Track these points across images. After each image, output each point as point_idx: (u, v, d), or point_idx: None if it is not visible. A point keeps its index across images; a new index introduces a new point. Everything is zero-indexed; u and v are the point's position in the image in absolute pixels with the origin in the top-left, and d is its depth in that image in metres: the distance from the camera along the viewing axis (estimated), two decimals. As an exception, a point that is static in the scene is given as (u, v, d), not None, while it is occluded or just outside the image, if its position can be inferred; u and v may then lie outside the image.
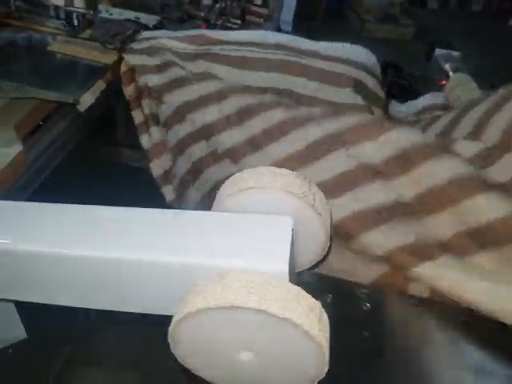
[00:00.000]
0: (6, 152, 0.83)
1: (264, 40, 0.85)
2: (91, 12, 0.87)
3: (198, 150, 0.76)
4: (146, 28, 1.11)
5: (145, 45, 0.88)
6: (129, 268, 0.38)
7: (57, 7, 0.91)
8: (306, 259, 0.47)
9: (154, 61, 0.84)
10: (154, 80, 0.82)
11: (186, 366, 0.38)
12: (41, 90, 0.82)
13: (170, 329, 0.35)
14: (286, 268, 0.35)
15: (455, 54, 1.07)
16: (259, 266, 0.36)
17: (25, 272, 0.42)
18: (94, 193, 0.57)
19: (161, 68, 0.83)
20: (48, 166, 0.92)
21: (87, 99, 0.90)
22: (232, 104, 0.72)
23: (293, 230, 0.39)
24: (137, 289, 0.40)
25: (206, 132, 0.74)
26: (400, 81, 1.10)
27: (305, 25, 1.76)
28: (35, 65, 0.89)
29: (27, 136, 0.87)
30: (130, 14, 1.15)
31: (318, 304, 0.35)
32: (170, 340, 0.36)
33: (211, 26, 1.14)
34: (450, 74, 0.96)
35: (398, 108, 0.93)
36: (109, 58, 0.88)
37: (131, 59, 0.85)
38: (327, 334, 0.34)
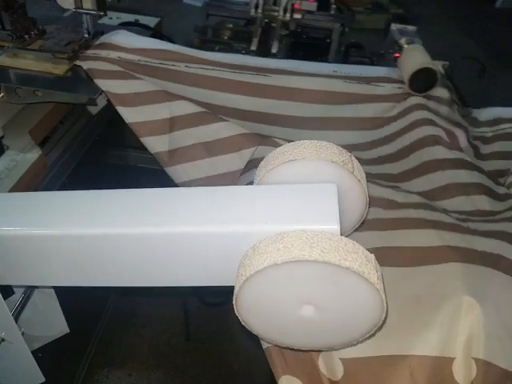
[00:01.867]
0: (24, 158, 0.84)
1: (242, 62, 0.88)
2: (102, 13, 0.88)
3: None
4: (148, 29, 1.13)
5: (101, 53, 0.85)
6: (187, 241, 0.40)
7: (1, 16, 0.84)
8: (348, 225, 0.49)
9: (110, 67, 0.83)
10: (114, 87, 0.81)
11: (249, 327, 0.40)
12: (57, 92, 0.83)
13: (236, 291, 0.37)
14: (337, 226, 0.38)
15: (411, 28, 1.11)
16: (313, 227, 0.38)
17: (84, 256, 0.44)
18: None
19: (120, 75, 0.82)
20: (66, 169, 0.94)
21: (100, 101, 0.92)
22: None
23: (337, 198, 0.42)
24: (194, 262, 0.42)
25: None
26: (362, 59, 1.15)
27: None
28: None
29: (43, 141, 0.89)
30: (130, 17, 1.18)
31: (372, 255, 0.37)
32: (234, 302, 0.38)
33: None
34: (405, 46, 0.99)
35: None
36: (60, 69, 0.83)
37: (84, 65, 0.83)
38: (383, 283, 0.37)
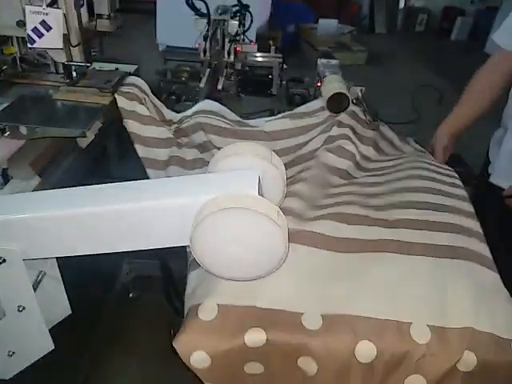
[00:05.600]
0: (26, 185, 1.02)
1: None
2: (88, 65, 1.09)
3: None
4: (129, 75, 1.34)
5: (132, 90, 1.14)
6: (154, 213, 0.59)
7: (56, 64, 1.12)
8: (275, 199, 0.69)
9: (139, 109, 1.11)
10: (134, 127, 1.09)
11: (202, 264, 0.59)
12: (52, 128, 1.01)
13: (191, 233, 0.55)
14: (256, 191, 0.57)
15: (333, 62, 1.36)
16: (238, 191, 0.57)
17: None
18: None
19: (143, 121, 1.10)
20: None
21: (88, 136, 1.11)
22: None
23: (260, 178, 0.61)
24: (158, 228, 0.60)
25: None
26: (301, 91, 1.43)
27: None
28: (44, 111, 1.09)
29: (42, 171, 1.06)
30: (111, 66, 1.39)
31: (278, 208, 0.56)
32: (191, 244, 0.57)
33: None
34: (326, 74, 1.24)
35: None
36: (106, 100, 1.09)
37: (119, 101, 1.10)
38: (286, 228, 0.56)
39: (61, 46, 0.98)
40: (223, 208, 0.53)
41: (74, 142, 1.13)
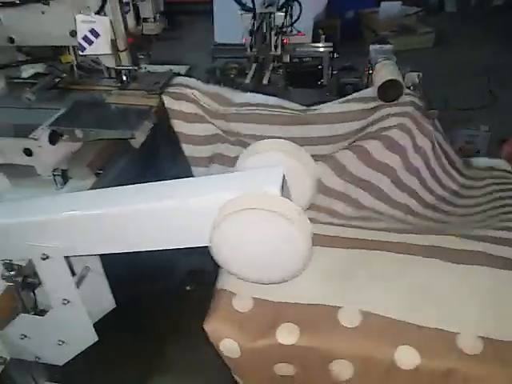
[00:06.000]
0: (83, 185, 1.08)
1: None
2: (136, 68, 1.13)
3: None
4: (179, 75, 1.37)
5: (179, 90, 1.14)
6: (177, 212, 0.60)
7: (108, 69, 1.19)
8: (303, 198, 0.66)
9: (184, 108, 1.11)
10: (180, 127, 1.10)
11: (222, 265, 0.58)
12: (105, 130, 1.07)
13: (211, 234, 0.55)
14: (278, 190, 0.55)
15: (387, 47, 1.24)
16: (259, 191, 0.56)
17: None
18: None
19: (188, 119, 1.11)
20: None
21: (140, 137, 1.15)
22: None
23: (284, 175, 0.59)
24: (180, 228, 0.61)
25: None
26: (354, 80, 1.34)
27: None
28: (98, 115, 1.15)
29: (99, 171, 1.13)
30: (164, 68, 1.43)
31: (300, 209, 0.54)
32: (210, 245, 0.56)
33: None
34: (379, 61, 1.14)
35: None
36: (154, 102, 1.13)
37: (166, 101, 1.12)
38: (309, 229, 0.54)
39: (109, 51, 1.02)
40: (242, 209, 0.53)
41: (127, 142, 1.19)
